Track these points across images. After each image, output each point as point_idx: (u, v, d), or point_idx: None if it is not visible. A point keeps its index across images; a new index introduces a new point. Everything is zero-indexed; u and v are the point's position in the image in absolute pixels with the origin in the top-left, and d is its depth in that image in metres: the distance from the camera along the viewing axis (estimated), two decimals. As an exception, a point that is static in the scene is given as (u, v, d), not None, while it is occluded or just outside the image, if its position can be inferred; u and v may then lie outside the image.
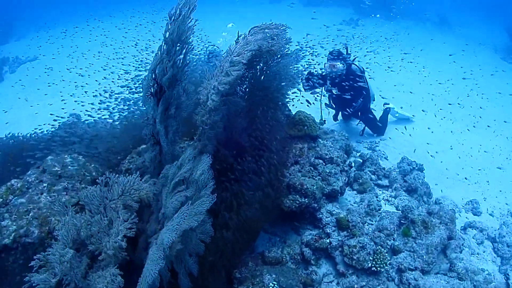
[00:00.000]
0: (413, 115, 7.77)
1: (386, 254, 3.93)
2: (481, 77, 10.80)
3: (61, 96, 9.22)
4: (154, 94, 2.52)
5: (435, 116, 8.10)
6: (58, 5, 19.02)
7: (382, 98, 7.46)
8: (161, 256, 1.98)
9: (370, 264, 3.82)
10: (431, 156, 6.57)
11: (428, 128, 7.43)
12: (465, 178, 6.10)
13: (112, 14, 17.50)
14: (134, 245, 2.51)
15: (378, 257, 3.86)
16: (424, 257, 3.98)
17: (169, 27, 2.48)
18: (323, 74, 6.08)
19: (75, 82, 10.04)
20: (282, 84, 4.25)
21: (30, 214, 3.43)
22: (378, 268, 3.79)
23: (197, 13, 2.75)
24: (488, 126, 7.87)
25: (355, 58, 6.34)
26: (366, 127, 6.72)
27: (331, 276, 3.90)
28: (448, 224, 4.25)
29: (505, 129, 7.85)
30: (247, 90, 4.05)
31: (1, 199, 3.63)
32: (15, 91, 10.43)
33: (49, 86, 10.17)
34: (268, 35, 3.43)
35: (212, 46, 7.91)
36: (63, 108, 7.86)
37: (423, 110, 8.15)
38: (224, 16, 16.52)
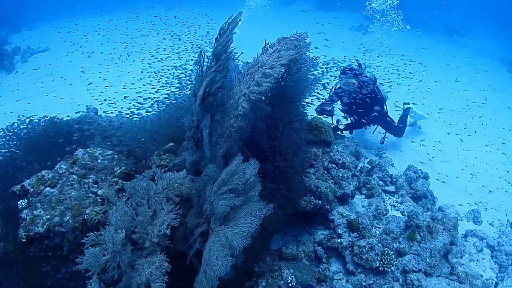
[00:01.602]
0: (428, 114, 7.97)
1: (393, 256, 4.18)
2: (493, 90, 11.03)
3: (72, 86, 9.45)
4: (201, 100, 2.74)
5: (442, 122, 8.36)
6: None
7: (396, 106, 7.64)
8: (228, 253, 2.24)
9: (378, 264, 4.07)
10: (429, 160, 6.81)
11: (439, 142, 7.68)
12: (469, 187, 6.37)
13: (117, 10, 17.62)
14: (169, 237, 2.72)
15: (385, 258, 4.11)
16: (428, 260, 4.24)
17: (219, 39, 2.72)
18: (334, 96, 6.16)
19: (89, 75, 10.25)
20: (301, 90, 4.47)
21: (63, 205, 3.63)
22: (385, 268, 4.05)
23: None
24: (502, 141, 8.12)
25: (365, 68, 6.45)
26: (386, 134, 6.82)
27: (340, 274, 4.15)
28: (451, 230, 4.51)
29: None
30: (269, 95, 4.28)
31: (33, 189, 3.83)
32: (28, 81, 10.58)
33: (63, 79, 10.35)
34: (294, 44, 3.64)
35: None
36: (79, 105, 8.06)
37: (439, 110, 8.38)
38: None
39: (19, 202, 3.69)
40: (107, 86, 9.00)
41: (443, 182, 6.44)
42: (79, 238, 3.34)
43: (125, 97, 5.88)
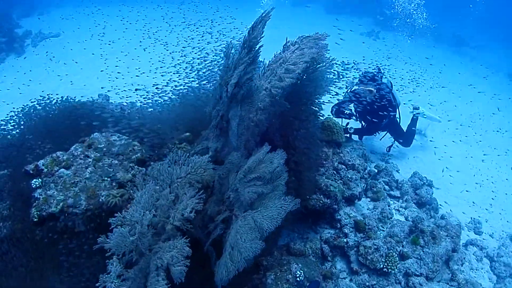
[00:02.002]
0: (439, 116, 8.02)
1: (397, 258, 4.24)
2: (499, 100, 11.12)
3: (84, 72, 9.48)
4: (232, 90, 2.80)
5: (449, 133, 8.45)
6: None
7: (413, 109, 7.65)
8: (257, 236, 2.30)
9: (382, 265, 4.14)
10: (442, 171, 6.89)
11: (439, 148, 7.77)
12: (471, 199, 6.45)
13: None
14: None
15: (389, 259, 4.18)
16: (430, 265, 4.30)
17: (252, 32, 2.77)
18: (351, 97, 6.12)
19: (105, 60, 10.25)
20: (317, 90, 4.52)
21: (77, 186, 3.67)
22: (389, 270, 4.11)
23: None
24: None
25: (383, 75, 6.40)
26: (394, 143, 6.86)
27: (344, 273, 4.22)
28: (454, 237, 4.58)
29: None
30: (285, 93, 4.34)
31: (47, 169, 3.85)
32: (39, 64, 10.60)
33: (76, 62, 10.38)
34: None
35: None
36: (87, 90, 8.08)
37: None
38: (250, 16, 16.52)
39: (33, 181, 3.70)
40: (119, 73, 9.04)
41: (448, 191, 6.51)
42: (93, 220, 3.40)
43: (137, 89, 5.91)
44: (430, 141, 8.03)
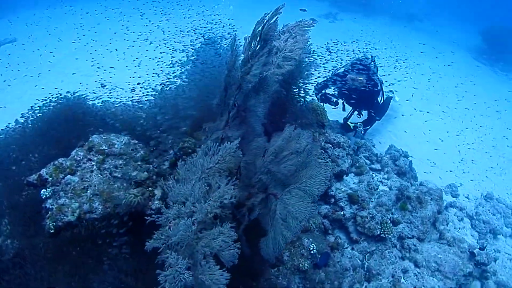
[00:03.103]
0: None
1: (390, 224, 4.64)
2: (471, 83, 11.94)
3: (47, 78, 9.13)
4: (254, 82, 2.96)
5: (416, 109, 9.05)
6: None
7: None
8: (309, 201, 2.58)
9: (379, 232, 4.52)
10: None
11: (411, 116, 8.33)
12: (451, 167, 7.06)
13: None
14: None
15: (384, 226, 4.57)
16: (420, 227, 4.76)
17: (267, 24, 2.94)
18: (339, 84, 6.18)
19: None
20: (301, 75, 4.74)
21: (89, 191, 3.67)
22: (386, 235, 4.51)
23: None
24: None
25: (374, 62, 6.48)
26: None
27: (345, 244, 4.56)
28: (438, 200, 5.06)
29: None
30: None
31: (51, 178, 3.80)
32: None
33: (34, 67, 9.93)
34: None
35: (208, 34, 8.10)
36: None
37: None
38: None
39: (41, 192, 3.63)
40: (112, 67, 8.82)
41: (422, 161, 7.06)
42: (112, 223, 3.44)
43: (134, 86, 5.82)
44: (402, 115, 8.58)
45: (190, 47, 6.34)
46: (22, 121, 4.71)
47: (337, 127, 6.57)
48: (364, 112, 6.73)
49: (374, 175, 6.02)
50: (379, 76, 6.55)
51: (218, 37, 6.86)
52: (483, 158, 7.70)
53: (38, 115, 4.60)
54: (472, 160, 7.46)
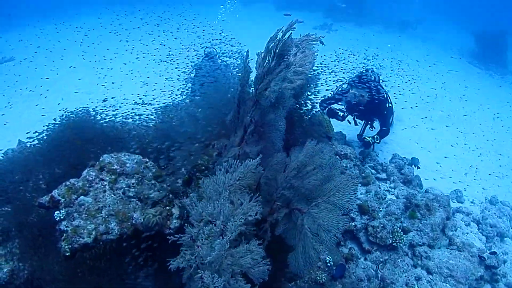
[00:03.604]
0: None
1: (401, 232, 4.68)
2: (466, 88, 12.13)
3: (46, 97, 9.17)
4: (274, 98, 3.01)
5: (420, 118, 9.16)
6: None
7: None
8: (339, 214, 2.65)
9: (391, 241, 4.55)
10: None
11: (412, 127, 8.44)
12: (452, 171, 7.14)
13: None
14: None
15: (396, 235, 4.60)
16: (430, 234, 4.79)
17: (278, 44, 3.00)
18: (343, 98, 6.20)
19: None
20: (310, 87, 4.81)
21: (103, 211, 3.65)
22: (398, 244, 4.54)
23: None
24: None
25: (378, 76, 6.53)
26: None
27: (358, 254, 4.58)
28: (446, 206, 5.11)
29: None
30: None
31: (64, 199, 3.77)
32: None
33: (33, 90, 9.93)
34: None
35: (208, 48, 8.20)
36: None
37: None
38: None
39: (55, 214, 3.61)
40: (114, 83, 8.84)
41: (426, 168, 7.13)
42: (129, 243, 3.43)
43: (139, 102, 5.87)
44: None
45: (193, 63, 6.44)
46: (26, 141, 4.72)
47: (341, 138, 6.63)
48: (376, 124, 6.75)
49: (380, 184, 6.08)
50: (383, 86, 6.62)
51: (218, 52, 6.96)
52: (485, 163, 7.80)
53: (42, 135, 4.60)
54: (471, 166, 7.55)
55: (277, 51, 3.02)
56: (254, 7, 20.09)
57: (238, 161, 2.72)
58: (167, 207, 3.46)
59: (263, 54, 3.10)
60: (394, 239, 4.58)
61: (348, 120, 6.50)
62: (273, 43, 3.04)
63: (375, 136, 6.44)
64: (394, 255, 4.59)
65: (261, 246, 2.43)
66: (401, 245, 4.66)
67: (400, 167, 6.28)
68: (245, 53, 3.30)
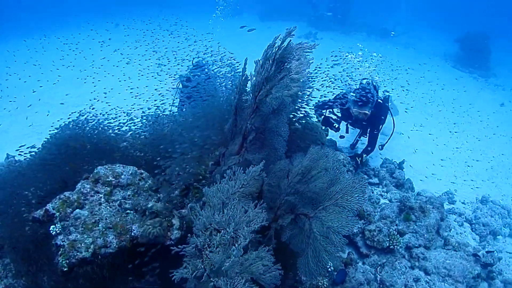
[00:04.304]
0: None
1: (398, 235, 4.72)
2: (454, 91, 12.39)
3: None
4: (277, 105, 3.03)
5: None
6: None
7: None
8: (349, 215, 2.63)
9: (388, 244, 4.59)
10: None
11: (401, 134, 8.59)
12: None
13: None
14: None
15: (392, 237, 4.65)
16: (425, 235, 4.85)
17: (278, 50, 3.03)
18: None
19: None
20: (304, 94, 4.83)
21: (100, 224, 3.58)
22: (395, 246, 4.58)
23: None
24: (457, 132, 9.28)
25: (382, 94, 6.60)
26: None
27: (356, 258, 4.59)
28: (439, 208, 5.19)
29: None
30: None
31: (59, 213, 3.68)
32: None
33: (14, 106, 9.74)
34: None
35: (197, 58, 8.19)
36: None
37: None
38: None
39: (51, 228, 3.49)
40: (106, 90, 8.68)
41: (410, 167, 7.25)
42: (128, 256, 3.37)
43: (131, 113, 5.82)
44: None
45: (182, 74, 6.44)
46: (14, 154, 4.61)
47: (332, 145, 6.70)
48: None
49: (373, 189, 6.14)
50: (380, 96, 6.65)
51: (208, 61, 6.97)
52: (475, 163, 7.98)
53: (32, 149, 4.51)
54: (461, 167, 7.71)
55: (276, 57, 3.05)
56: (240, 18, 20.25)
57: (241, 168, 2.72)
58: (167, 218, 3.42)
59: (261, 61, 3.12)
60: (391, 242, 4.62)
61: (340, 136, 6.62)
62: (271, 50, 3.07)
63: (364, 155, 6.31)
64: (392, 258, 4.62)
65: (270, 252, 2.42)
66: (398, 247, 4.70)
67: (392, 171, 6.36)
68: (243, 61, 3.32)
